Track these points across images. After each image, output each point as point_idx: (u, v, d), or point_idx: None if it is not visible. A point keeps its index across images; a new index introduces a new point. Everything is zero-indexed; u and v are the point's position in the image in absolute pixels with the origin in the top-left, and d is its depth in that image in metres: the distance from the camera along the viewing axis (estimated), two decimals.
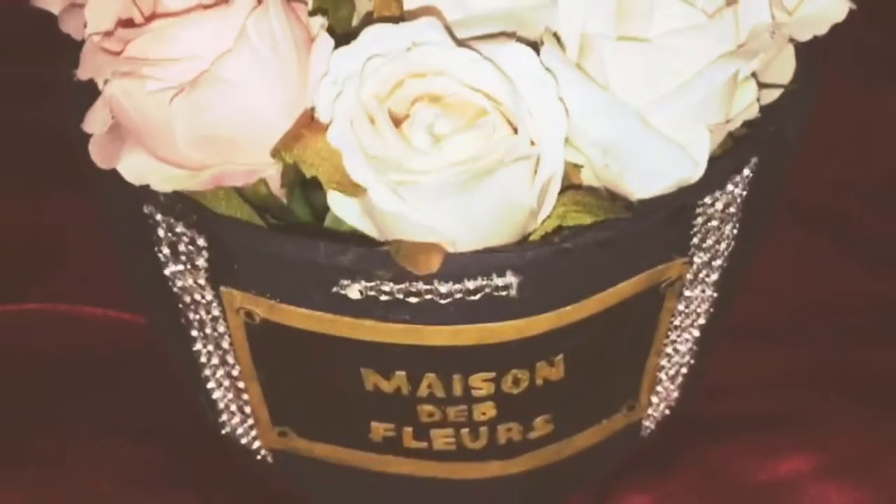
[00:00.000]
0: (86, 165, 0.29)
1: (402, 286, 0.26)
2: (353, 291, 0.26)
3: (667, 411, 0.37)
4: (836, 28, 0.31)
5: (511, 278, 0.26)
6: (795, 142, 0.31)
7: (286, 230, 0.28)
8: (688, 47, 0.26)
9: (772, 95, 0.31)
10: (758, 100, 0.29)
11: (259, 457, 0.36)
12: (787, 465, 0.38)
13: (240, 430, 0.35)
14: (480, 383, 0.30)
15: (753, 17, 0.27)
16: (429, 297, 0.26)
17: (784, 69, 0.31)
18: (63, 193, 0.45)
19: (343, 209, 0.26)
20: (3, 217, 0.46)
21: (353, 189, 0.25)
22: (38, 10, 0.32)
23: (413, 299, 0.26)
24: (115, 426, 0.39)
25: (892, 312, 0.43)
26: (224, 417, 0.35)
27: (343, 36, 0.26)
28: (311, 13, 0.28)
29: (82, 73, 0.26)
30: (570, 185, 0.27)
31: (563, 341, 0.29)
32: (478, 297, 0.26)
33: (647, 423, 0.36)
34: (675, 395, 0.36)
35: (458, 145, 0.24)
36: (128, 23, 0.26)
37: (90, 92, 0.28)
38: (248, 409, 0.33)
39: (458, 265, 0.26)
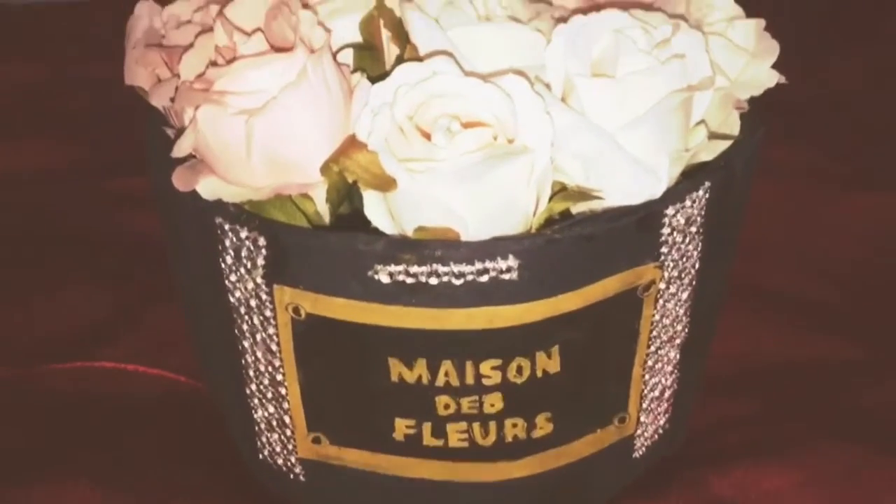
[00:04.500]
0: (163, 198, 0.37)
1: (425, 268, 0.32)
2: (384, 275, 0.33)
3: (656, 436, 0.41)
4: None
5: (513, 261, 0.32)
6: (744, 178, 0.38)
7: (330, 228, 0.34)
8: (647, 83, 0.33)
9: (723, 145, 0.38)
10: (708, 138, 0.36)
11: (292, 476, 0.40)
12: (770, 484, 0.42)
13: (277, 447, 0.40)
14: (489, 371, 0.35)
15: (698, 70, 0.35)
16: (446, 278, 0.32)
17: (731, 128, 0.39)
18: (129, 280, 0.53)
19: (374, 211, 0.33)
20: (77, 294, 0.53)
21: (386, 184, 0.32)
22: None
23: (433, 280, 0.32)
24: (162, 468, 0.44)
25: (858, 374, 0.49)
26: (262, 439, 0.40)
27: (378, 78, 0.34)
28: (353, 71, 0.36)
29: (177, 105, 0.34)
30: (558, 191, 0.34)
31: (558, 332, 0.35)
32: (486, 278, 0.33)
33: (638, 442, 0.41)
34: (663, 419, 0.41)
35: (469, 137, 0.31)
36: (213, 64, 0.33)
37: (166, 148, 0.36)
38: (286, 419, 0.38)
39: (469, 249, 0.32)
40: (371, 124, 0.32)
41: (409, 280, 0.33)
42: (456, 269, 0.32)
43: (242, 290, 0.36)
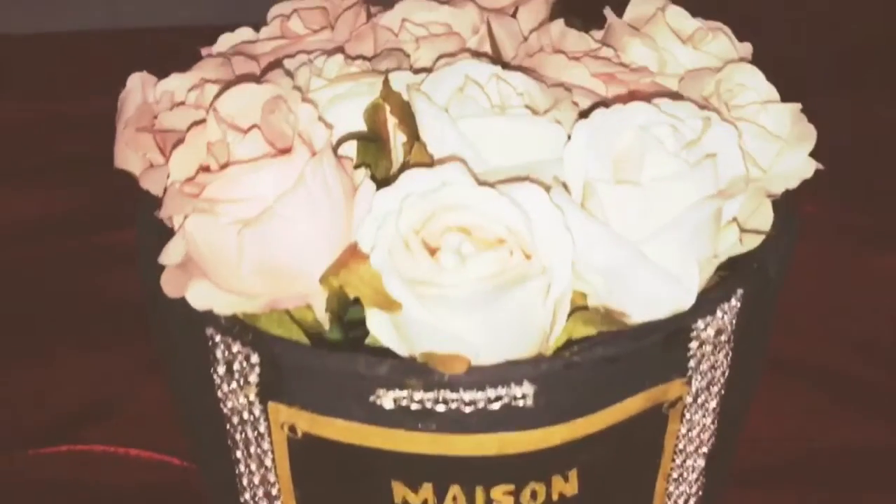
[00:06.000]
0: (152, 300, 0.34)
1: (432, 394, 0.29)
2: (388, 401, 0.30)
3: None
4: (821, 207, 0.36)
5: (528, 388, 0.30)
6: (778, 281, 0.35)
7: (330, 347, 0.32)
8: (674, 190, 0.30)
9: (755, 241, 0.35)
10: (741, 240, 0.33)
11: None
12: None
13: None
14: (501, 496, 0.32)
15: (731, 168, 0.32)
16: (454, 405, 0.30)
17: (764, 220, 0.36)
18: (121, 349, 0.50)
19: (379, 329, 0.30)
20: (65, 367, 0.50)
21: (390, 305, 0.29)
22: (103, 182, 0.38)
23: (441, 407, 0.30)
24: None
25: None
26: None
27: (382, 181, 0.31)
28: (356, 166, 0.33)
29: (164, 213, 0.31)
30: (577, 308, 0.31)
31: (576, 455, 0.32)
32: (498, 405, 0.30)
33: None
34: None
35: (481, 263, 0.28)
36: (205, 170, 0.31)
37: (161, 238, 0.33)
38: None
39: (480, 375, 0.29)
40: (374, 236, 0.30)
41: (415, 406, 0.30)
42: (466, 396, 0.29)
43: (235, 402, 0.33)
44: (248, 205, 0.30)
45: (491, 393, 0.29)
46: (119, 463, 0.45)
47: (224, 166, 0.31)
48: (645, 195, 0.30)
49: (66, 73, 0.77)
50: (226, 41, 0.43)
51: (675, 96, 0.35)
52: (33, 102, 0.73)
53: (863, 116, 0.70)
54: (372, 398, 0.30)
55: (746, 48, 0.41)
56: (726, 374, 0.35)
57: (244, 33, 0.43)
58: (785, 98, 0.37)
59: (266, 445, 0.33)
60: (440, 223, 0.29)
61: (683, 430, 0.35)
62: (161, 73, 0.39)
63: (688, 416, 0.34)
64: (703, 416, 0.35)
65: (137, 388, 0.49)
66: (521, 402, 0.30)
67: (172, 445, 0.45)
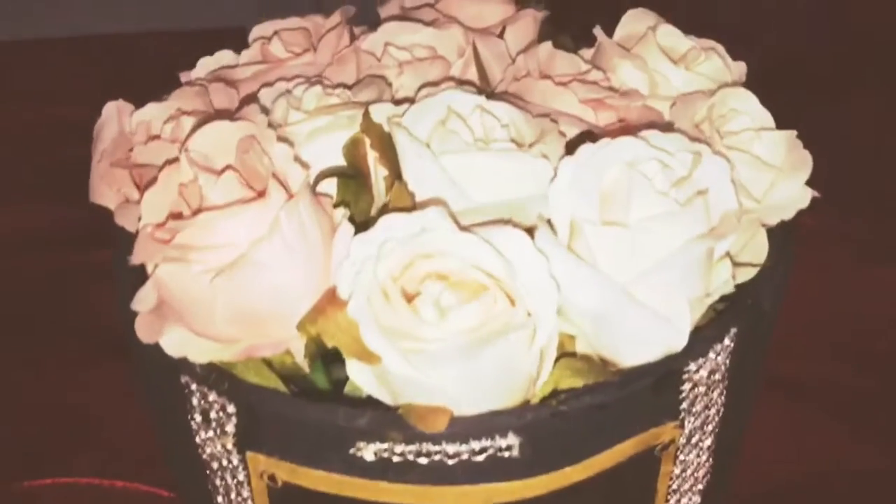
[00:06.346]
0: (129, 341, 0.33)
1: (413, 447, 0.28)
2: (369, 453, 0.29)
3: None
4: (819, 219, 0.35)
5: (513, 439, 0.29)
6: (773, 314, 0.34)
7: (308, 396, 0.31)
8: (664, 231, 0.29)
9: (749, 274, 0.34)
10: (734, 277, 0.32)
11: None
12: None
13: None
14: None
15: (722, 204, 0.31)
16: (438, 457, 0.29)
17: (758, 250, 0.35)
18: (98, 373, 0.49)
19: (360, 377, 0.29)
20: (42, 395, 0.49)
21: (369, 357, 0.28)
22: (94, 203, 0.36)
23: (423, 460, 0.29)
24: None
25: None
26: None
27: (362, 223, 0.30)
28: (335, 205, 0.32)
29: (136, 259, 0.30)
30: (564, 353, 0.30)
31: (566, 502, 0.31)
32: (483, 457, 0.29)
33: None
34: None
35: (462, 316, 0.27)
36: (177, 216, 0.30)
37: (138, 276, 0.32)
38: None
39: (464, 427, 0.28)
40: (352, 283, 0.29)
41: (397, 458, 0.29)
42: (449, 448, 0.28)
43: (214, 448, 0.32)
44: (221, 252, 0.29)
45: (475, 445, 0.28)
46: (106, 495, 0.44)
47: (196, 211, 0.29)
48: (633, 236, 0.29)
49: (60, 77, 0.76)
50: (206, 65, 0.41)
51: (666, 126, 0.34)
52: (24, 106, 0.72)
53: (862, 123, 0.68)
54: (352, 450, 0.29)
55: (740, 68, 0.39)
56: (720, 412, 0.34)
57: (224, 56, 0.42)
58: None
59: (246, 493, 0.32)
60: (420, 270, 0.28)
61: (677, 471, 0.34)
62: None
63: (681, 457, 0.33)
64: (698, 455, 0.34)
65: (124, 413, 0.48)
66: (506, 454, 0.29)
67: (160, 476, 0.44)
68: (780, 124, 0.36)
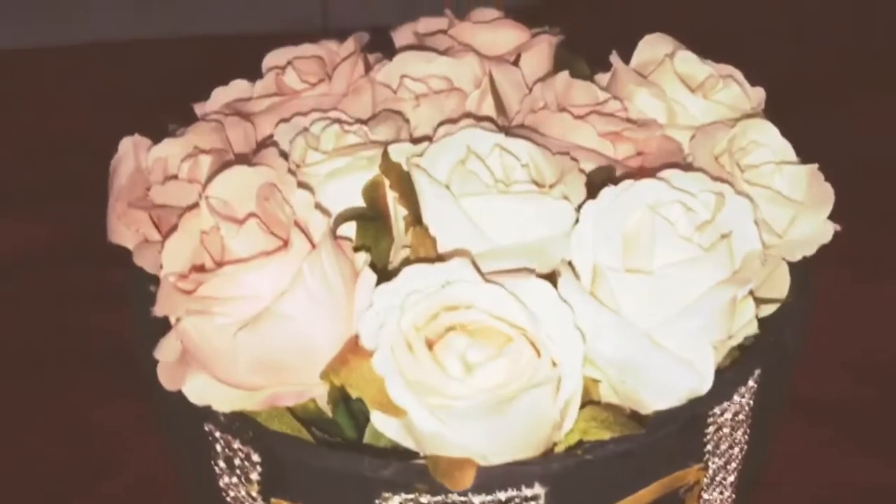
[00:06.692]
0: (150, 386, 0.33)
1: (440, 498, 0.28)
2: (394, 503, 0.29)
3: None
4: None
5: (539, 489, 0.28)
6: (796, 350, 0.34)
7: (333, 446, 0.31)
8: (687, 277, 0.29)
9: (770, 309, 0.34)
10: (757, 316, 0.32)
11: None
12: None
13: None
14: None
15: (745, 245, 0.31)
16: None
17: (779, 285, 0.35)
18: (122, 401, 0.49)
19: (385, 427, 0.29)
20: (69, 419, 0.49)
21: (395, 412, 0.28)
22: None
23: None
24: None
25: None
26: None
27: (383, 270, 0.30)
28: (356, 249, 0.32)
29: (159, 311, 0.30)
30: (589, 401, 0.30)
31: None
32: None
33: None
34: None
35: (488, 373, 0.27)
36: (200, 268, 0.30)
37: (158, 323, 0.32)
38: None
39: (489, 477, 0.28)
40: (376, 335, 0.28)
41: None
42: (475, 499, 0.28)
43: (238, 493, 0.32)
44: (244, 304, 0.29)
45: (501, 496, 0.28)
46: None
47: (219, 261, 0.29)
48: (657, 283, 0.29)
49: (60, 86, 0.75)
50: (220, 97, 0.41)
51: (687, 165, 0.34)
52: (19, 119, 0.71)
53: (862, 133, 0.68)
54: (378, 500, 0.29)
55: (759, 95, 0.39)
56: (744, 449, 0.34)
57: (239, 87, 0.42)
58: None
59: None
60: (444, 322, 0.28)
61: None
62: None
63: (705, 496, 0.33)
64: (721, 492, 0.34)
65: (139, 444, 0.48)
66: (532, 503, 0.29)
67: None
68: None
